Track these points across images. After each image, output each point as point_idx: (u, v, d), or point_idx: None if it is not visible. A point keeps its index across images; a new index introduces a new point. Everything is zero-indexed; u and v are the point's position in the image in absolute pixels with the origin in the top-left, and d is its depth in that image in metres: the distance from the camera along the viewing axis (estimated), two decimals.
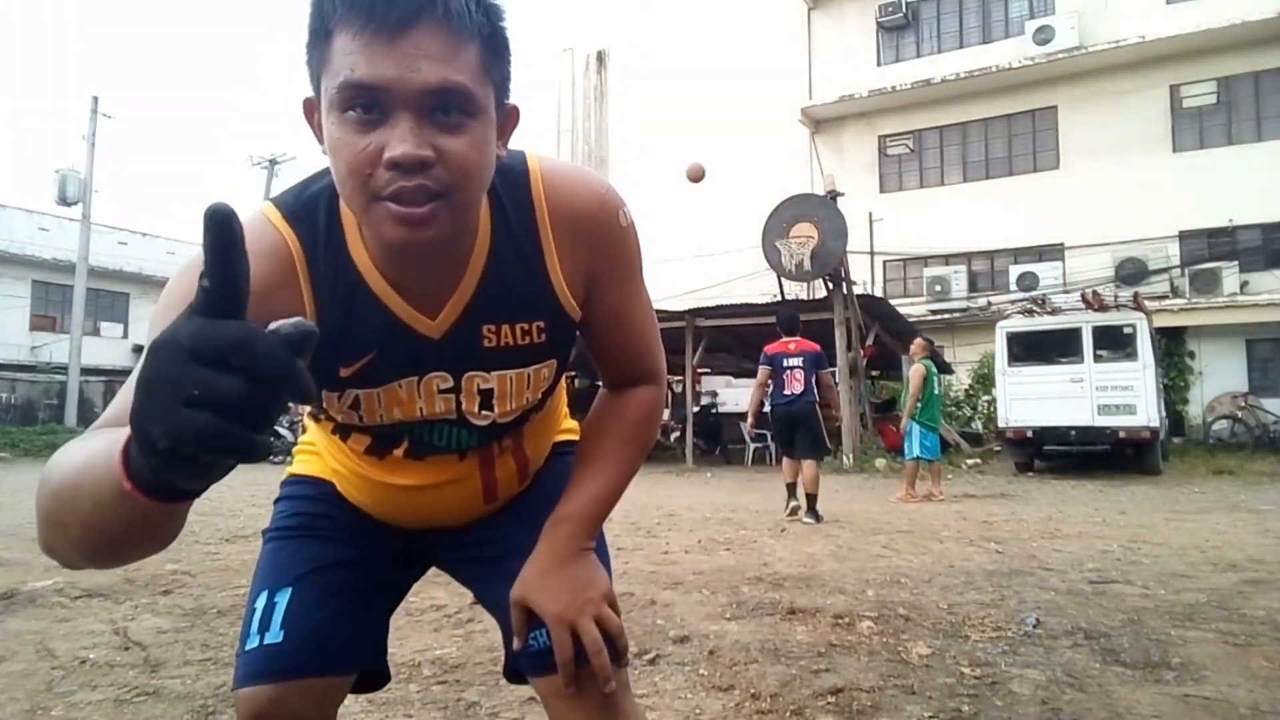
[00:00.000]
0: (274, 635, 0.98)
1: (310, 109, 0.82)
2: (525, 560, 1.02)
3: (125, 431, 0.57)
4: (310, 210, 0.89)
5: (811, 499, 6.32)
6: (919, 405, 8.10)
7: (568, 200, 0.97)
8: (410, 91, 0.74)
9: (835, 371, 13.34)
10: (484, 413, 1.01)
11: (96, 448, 0.65)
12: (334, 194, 0.86)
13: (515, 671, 1.08)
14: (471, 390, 0.98)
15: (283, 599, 1.01)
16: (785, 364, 6.61)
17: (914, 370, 8.20)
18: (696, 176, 5.39)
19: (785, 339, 6.79)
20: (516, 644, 1.02)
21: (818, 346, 6.78)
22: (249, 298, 0.51)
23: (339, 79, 0.74)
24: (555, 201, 0.96)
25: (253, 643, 0.98)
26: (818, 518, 6.25)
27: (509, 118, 0.88)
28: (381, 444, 1.03)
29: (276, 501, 1.18)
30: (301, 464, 1.20)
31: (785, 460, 6.75)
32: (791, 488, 6.57)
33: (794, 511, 6.46)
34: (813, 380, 6.56)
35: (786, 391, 6.56)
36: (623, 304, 1.04)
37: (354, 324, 0.90)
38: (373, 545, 1.12)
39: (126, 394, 0.71)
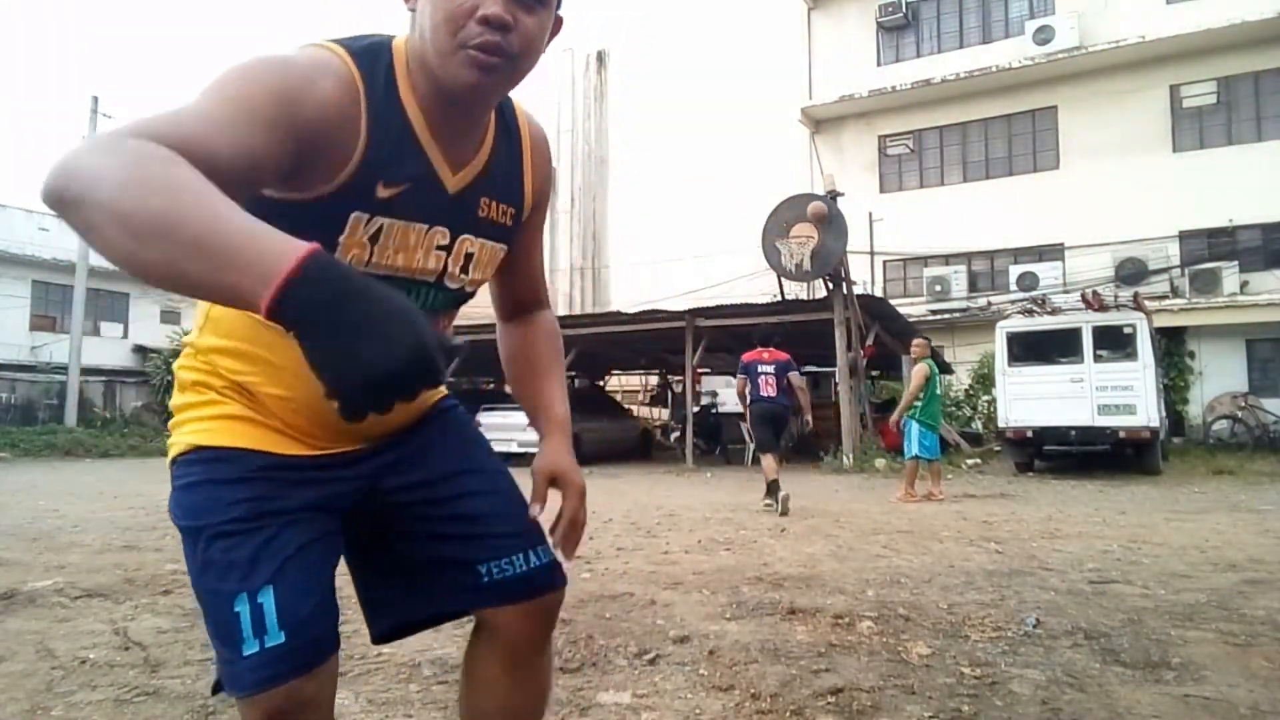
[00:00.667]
0: (275, 637, 0.99)
1: None
2: (480, 501, 1.19)
3: (288, 252, 0.67)
4: (371, 55, 1.00)
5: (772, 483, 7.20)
6: (919, 404, 8.10)
7: (537, 131, 1.20)
8: None
9: (836, 371, 13.37)
10: (461, 275, 1.13)
11: (241, 227, 0.69)
12: (388, 47, 1.02)
13: (426, 619, 1.20)
14: (460, 252, 1.11)
15: (268, 599, 1.00)
16: (759, 370, 7.57)
17: (917, 369, 8.19)
18: (820, 217, 5.73)
19: (760, 349, 7.73)
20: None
21: (787, 355, 7.70)
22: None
23: None
24: (531, 126, 1.19)
25: (251, 648, 0.99)
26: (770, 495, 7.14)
27: (556, 23, 1.05)
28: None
29: (187, 486, 1.06)
30: (201, 433, 1.08)
31: (766, 459, 7.36)
32: (770, 485, 7.12)
33: (784, 502, 6.81)
34: (784, 384, 7.52)
35: (761, 393, 7.51)
36: (540, 230, 1.28)
37: (396, 160, 1.00)
38: (325, 513, 1.10)
39: (204, 112, 0.82)
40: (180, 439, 1.10)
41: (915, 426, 8.09)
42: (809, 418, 8.08)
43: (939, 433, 8.49)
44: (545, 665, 1.27)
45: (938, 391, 8.41)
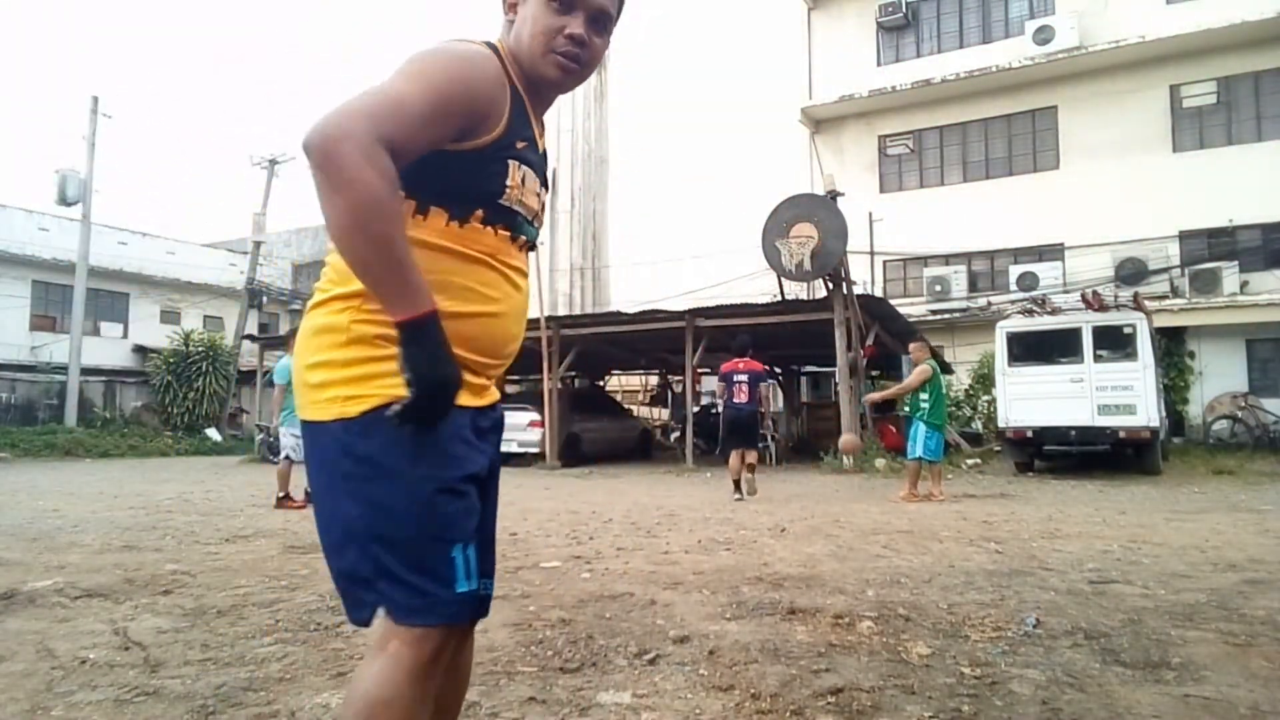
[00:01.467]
0: (475, 584, 1.27)
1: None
2: (491, 524, 1.46)
3: (424, 303, 1.14)
4: (496, 50, 1.36)
5: (751, 468, 8.45)
6: (927, 406, 8.09)
7: None
8: (591, 7, 1.34)
9: (836, 371, 13.38)
10: (541, 217, 1.47)
11: (413, 268, 1.15)
12: (498, 46, 1.37)
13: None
14: (544, 200, 1.46)
15: (472, 554, 1.27)
16: (734, 379, 8.43)
17: (919, 369, 8.19)
18: (851, 449, 6.20)
19: (736, 359, 8.62)
20: None
21: (762, 366, 8.78)
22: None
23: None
24: None
25: (463, 587, 1.24)
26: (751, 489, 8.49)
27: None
28: (516, 227, 1.37)
29: (398, 436, 1.18)
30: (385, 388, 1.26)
31: (732, 457, 8.43)
32: (737, 483, 8.38)
33: (746, 485, 8.31)
34: (756, 392, 8.45)
35: (735, 400, 8.37)
36: None
37: (523, 123, 1.36)
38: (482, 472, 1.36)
39: (409, 112, 1.16)
40: (379, 390, 1.21)
41: (921, 428, 8.09)
42: (770, 422, 9.13)
43: (944, 434, 8.49)
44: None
45: (943, 392, 8.41)
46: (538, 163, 1.40)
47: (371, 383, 1.21)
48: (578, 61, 1.35)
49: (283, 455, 7.96)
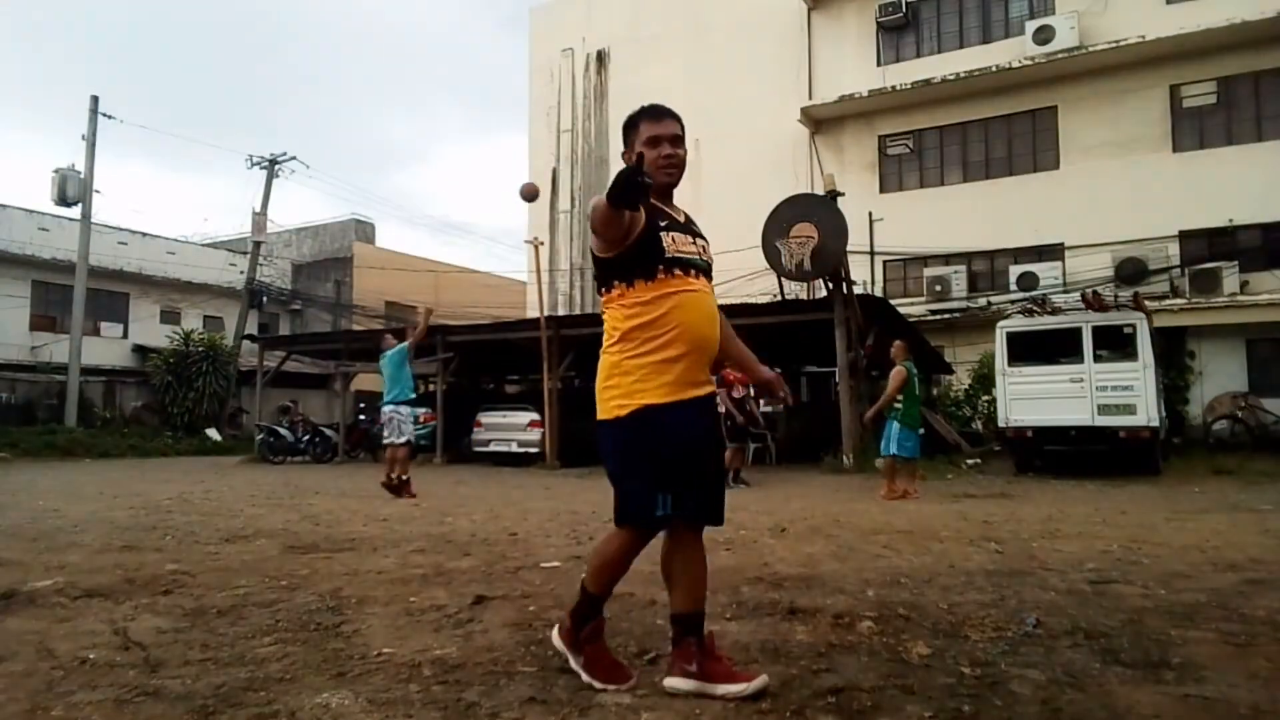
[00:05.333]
0: (665, 509, 2.28)
1: (630, 148, 2.46)
2: None
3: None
4: None
5: (735, 472, 9.74)
6: (900, 406, 8.32)
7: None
8: (668, 133, 2.43)
9: (836, 371, 13.38)
10: (707, 254, 2.50)
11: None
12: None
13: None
14: (700, 246, 2.47)
15: (668, 499, 2.27)
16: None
17: (895, 371, 8.38)
18: (530, 195, 6.28)
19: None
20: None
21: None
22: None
23: (647, 134, 2.42)
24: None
25: (660, 510, 2.28)
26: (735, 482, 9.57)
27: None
28: (686, 267, 2.36)
29: (675, 424, 2.30)
30: (659, 395, 2.30)
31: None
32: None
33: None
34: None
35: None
36: None
37: (660, 216, 2.38)
38: None
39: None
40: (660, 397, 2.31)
41: (895, 426, 8.31)
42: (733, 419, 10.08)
43: (918, 433, 8.61)
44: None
45: (917, 393, 8.64)
46: (682, 227, 2.42)
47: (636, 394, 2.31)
48: (675, 167, 2.44)
49: (404, 438, 8.45)
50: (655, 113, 2.44)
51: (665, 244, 2.31)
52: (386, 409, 8.70)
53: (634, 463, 2.28)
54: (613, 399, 2.31)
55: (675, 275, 2.31)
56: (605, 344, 2.38)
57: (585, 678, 2.35)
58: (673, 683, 2.29)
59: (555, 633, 2.56)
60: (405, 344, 8.69)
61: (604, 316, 2.43)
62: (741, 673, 2.30)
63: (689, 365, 2.32)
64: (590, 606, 2.46)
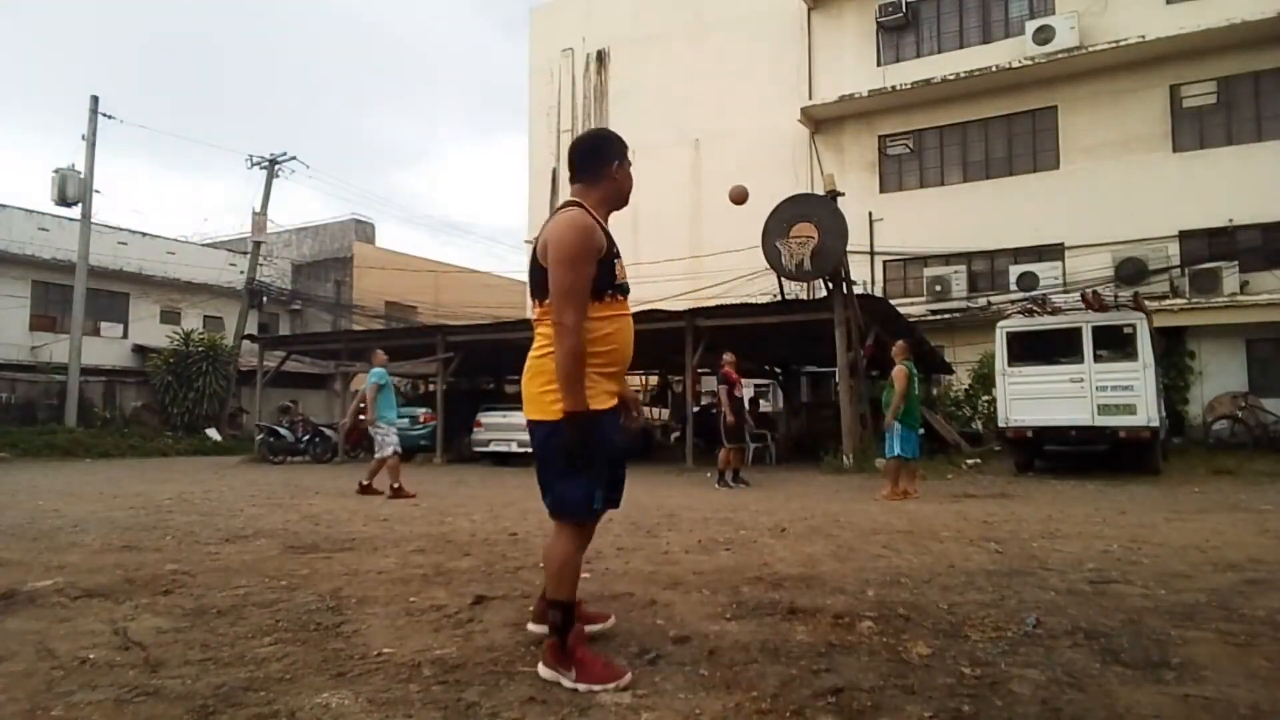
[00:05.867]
0: (600, 504, 2.56)
1: (621, 164, 2.72)
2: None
3: (580, 403, 2.41)
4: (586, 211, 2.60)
5: (722, 472, 10.08)
6: (903, 407, 8.31)
7: None
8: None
9: (836, 371, 13.38)
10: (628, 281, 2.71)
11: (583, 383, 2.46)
12: (583, 206, 2.60)
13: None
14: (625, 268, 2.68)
15: (600, 494, 2.54)
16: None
17: (897, 371, 8.35)
18: (739, 198, 6.21)
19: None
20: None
21: (723, 370, 10.34)
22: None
23: (629, 165, 2.74)
24: None
25: (596, 504, 2.54)
26: (723, 481, 10.02)
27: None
28: (625, 292, 2.63)
29: (601, 430, 2.50)
30: (599, 401, 2.50)
31: (720, 453, 10.16)
32: (721, 473, 10.10)
33: (722, 477, 10.02)
34: (722, 395, 10.15)
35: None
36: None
37: (611, 244, 2.58)
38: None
39: (577, 284, 2.45)
40: (595, 405, 2.48)
41: (897, 427, 8.33)
42: (729, 420, 10.17)
43: (919, 433, 8.64)
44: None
45: (916, 393, 8.63)
46: (619, 254, 2.63)
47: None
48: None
49: (391, 449, 8.96)
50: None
51: (617, 271, 2.57)
52: (385, 425, 9.19)
53: (576, 461, 2.44)
54: (554, 402, 2.43)
55: (618, 300, 2.57)
56: (542, 350, 2.51)
57: (585, 689, 2.33)
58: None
59: (541, 666, 2.48)
60: (384, 370, 9.33)
61: (540, 323, 2.56)
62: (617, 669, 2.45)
63: (618, 378, 2.63)
64: (566, 616, 2.47)
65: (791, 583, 3.86)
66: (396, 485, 8.70)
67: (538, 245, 2.56)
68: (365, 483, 9.05)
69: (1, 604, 3.44)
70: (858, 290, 13.92)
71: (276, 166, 25.28)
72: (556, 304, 2.38)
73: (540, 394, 2.49)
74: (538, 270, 2.52)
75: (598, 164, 2.65)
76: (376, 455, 9.19)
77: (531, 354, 2.55)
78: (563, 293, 2.38)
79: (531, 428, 2.55)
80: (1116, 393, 10.61)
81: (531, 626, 2.90)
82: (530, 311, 2.87)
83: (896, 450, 8.31)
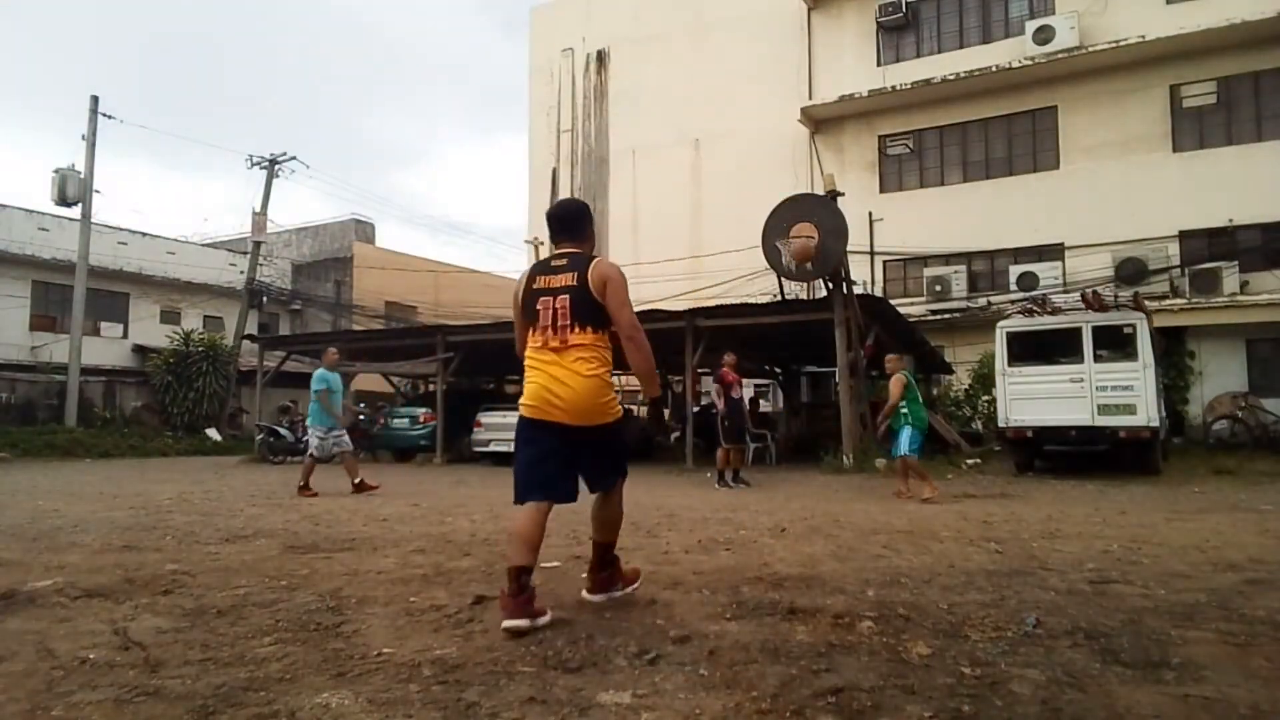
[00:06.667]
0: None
1: (591, 232, 3.41)
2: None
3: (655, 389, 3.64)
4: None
5: (722, 472, 10.13)
6: (906, 411, 8.43)
7: None
8: None
9: (836, 371, 13.38)
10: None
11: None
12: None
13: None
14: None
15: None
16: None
17: (895, 379, 8.53)
18: (804, 256, 6.41)
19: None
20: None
21: (722, 370, 10.21)
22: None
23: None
24: None
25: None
26: (723, 481, 10.06)
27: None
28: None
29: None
30: (524, 410, 3.15)
31: (719, 453, 10.23)
32: (721, 472, 10.17)
33: (721, 477, 10.13)
34: (721, 395, 10.12)
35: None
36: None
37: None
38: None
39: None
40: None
41: (907, 429, 8.42)
42: (725, 421, 10.20)
43: (923, 434, 8.71)
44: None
45: (918, 394, 8.76)
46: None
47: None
48: None
49: (309, 453, 9.27)
50: None
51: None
52: (336, 433, 9.35)
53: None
54: (615, 405, 3.18)
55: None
56: (594, 369, 3.07)
57: (625, 591, 3.49)
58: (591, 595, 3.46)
59: (585, 592, 3.48)
60: (327, 371, 9.48)
61: (583, 348, 3.07)
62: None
63: None
64: (612, 552, 3.48)
65: (791, 583, 3.85)
66: (302, 484, 8.90)
67: (590, 281, 3.06)
68: (301, 484, 9.07)
69: (1, 604, 3.44)
70: (858, 290, 13.92)
71: (276, 166, 25.28)
72: (633, 324, 3.09)
73: (605, 404, 3.12)
74: (589, 300, 3.05)
75: (583, 227, 3.31)
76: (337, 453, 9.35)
77: (580, 374, 3.05)
78: (633, 318, 3.10)
79: (601, 432, 3.14)
80: (1116, 393, 10.61)
81: (587, 595, 3.45)
82: (569, 334, 3.09)
83: (904, 450, 8.39)
